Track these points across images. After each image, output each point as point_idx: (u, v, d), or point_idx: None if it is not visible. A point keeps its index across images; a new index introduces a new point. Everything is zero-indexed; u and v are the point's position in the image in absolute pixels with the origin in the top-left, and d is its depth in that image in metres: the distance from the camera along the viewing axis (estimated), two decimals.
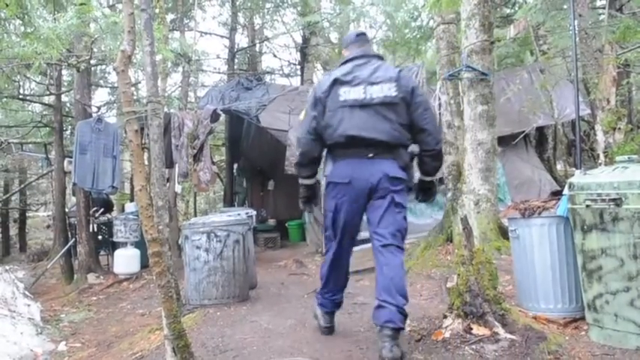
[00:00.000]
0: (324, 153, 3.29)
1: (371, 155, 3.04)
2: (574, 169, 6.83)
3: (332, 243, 3.31)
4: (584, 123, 9.70)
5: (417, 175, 3.29)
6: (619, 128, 6.06)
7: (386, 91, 3.03)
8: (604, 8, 6.32)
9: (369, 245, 3.36)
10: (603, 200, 2.95)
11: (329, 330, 3.45)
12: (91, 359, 4.05)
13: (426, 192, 3.40)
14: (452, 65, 6.36)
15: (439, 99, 6.56)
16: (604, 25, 6.08)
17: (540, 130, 10.31)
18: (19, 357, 4.06)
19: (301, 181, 3.47)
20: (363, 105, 3.04)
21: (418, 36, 12.50)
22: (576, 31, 4.85)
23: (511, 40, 9.34)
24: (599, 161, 6.16)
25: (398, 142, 3.07)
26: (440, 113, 6.62)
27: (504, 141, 8.40)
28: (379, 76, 3.07)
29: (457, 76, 6.04)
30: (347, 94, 3.06)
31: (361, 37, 3.35)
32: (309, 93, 3.38)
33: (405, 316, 2.92)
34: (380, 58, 3.28)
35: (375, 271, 3.07)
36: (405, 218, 3.12)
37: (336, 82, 3.10)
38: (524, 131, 9.12)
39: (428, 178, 3.30)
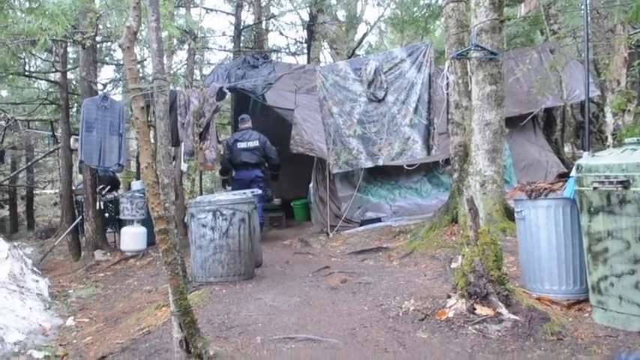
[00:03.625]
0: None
1: (249, 168, 7.71)
2: (582, 151, 6.79)
3: None
4: (594, 105, 9.60)
5: None
6: (629, 110, 6.00)
7: (254, 143, 7.69)
8: None
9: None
10: (611, 182, 2.93)
11: None
12: (98, 334, 4.11)
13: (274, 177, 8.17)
14: (461, 44, 6.27)
15: (447, 78, 6.48)
16: (616, 5, 5.97)
17: (548, 112, 10.21)
18: (28, 331, 4.12)
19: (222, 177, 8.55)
20: (246, 149, 7.70)
21: (427, 14, 12.33)
22: (588, 11, 4.76)
23: (521, 19, 9.20)
24: (608, 143, 6.11)
25: (259, 162, 7.77)
26: (447, 93, 6.55)
27: (512, 122, 8.34)
28: (251, 138, 7.69)
29: (466, 55, 5.96)
30: (241, 144, 7.73)
31: (245, 119, 8.03)
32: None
33: None
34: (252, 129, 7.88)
35: None
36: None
37: (236, 140, 7.82)
38: (532, 112, 9.04)
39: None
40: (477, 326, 2.94)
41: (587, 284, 3.20)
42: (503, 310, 3.01)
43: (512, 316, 2.98)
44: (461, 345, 2.81)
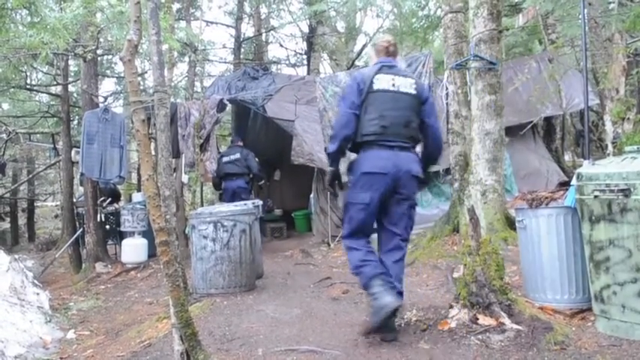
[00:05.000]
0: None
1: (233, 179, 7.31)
2: (582, 159, 6.79)
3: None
4: (593, 113, 9.61)
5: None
6: (628, 118, 6.00)
7: (236, 155, 6.84)
8: None
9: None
10: (612, 191, 2.92)
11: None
12: (99, 347, 4.09)
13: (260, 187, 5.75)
14: (459, 54, 6.30)
15: (446, 89, 6.51)
16: (614, 14, 6.01)
17: (548, 121, 10.23)
18: (28, 344, 4.10)
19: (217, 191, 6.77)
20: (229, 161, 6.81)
21: (425, 25, 12.40)
22: (586, 20, 4.79)
23: (519, 28, 9.26)
24: (608, 152, 6.11)
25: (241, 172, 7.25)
26: (447, 103, 6.58)
27: (512, 131, 8.35)
28: (233, 152, 6.36)
29: (465, 65, 5.99)
30: (225, 158, 7.11)
31: (234, 140, 6.49)
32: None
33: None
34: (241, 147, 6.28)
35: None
36: None
37: (222, 156, 6.91)
38: (532, 121, 9.06)
39: None
40: (479, 336, 2.93)
41: (589, 293, 3.19)
42: (506, 320, 2.99)
43: (515, 326, 2.96)
44: (464, 355, 2.79)
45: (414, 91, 3.27)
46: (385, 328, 3.07)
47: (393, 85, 3.23)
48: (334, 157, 3.33)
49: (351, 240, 3.27)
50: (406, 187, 3.20)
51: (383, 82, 3.23)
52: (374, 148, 3.20)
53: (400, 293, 3.16)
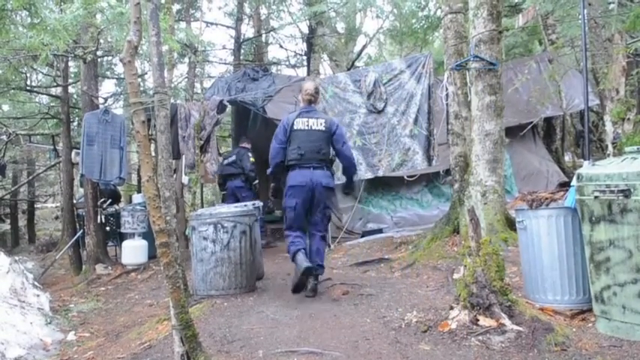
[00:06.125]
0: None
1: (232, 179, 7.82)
2: (582, 160, 6.79)
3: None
4: (593, 114, 9.62)
5: None
6: (628, 119, 6.00)
7: (233, 158, 7.87)
8: None
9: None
10: (612, 191, 2.92)
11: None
12: (99, 349, 4.09)
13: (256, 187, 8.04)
14: (459, 55, 6.30)
15: (446, 89, 6.51)
16: (614, 14, 6.01)
17: (548, 121, 10.24)
18: (29, 346, 4.10)
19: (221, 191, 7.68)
20: (228, 163, 7.78)
21: (425, 26, 12.41)
22: (586, 20, 4.79)
23: (519, 29, 9.26)
24: (608, 152, 6.11)
25: (237, 173, 7.88)
26: (447, 104, 6.58)
27: (512, 132, 8.36)
28: (232, 154, 7.17)
29: (465, 66, 5.99)
30: (225, 161, 8.07)
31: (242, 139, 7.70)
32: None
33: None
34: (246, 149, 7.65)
35: None
36: None
37: (224, 158, 7.77)
38: (532, 122, 9.06)
39: None
40: (480, 337, 2.92)
41: (590, 294, 3.19)
42: (507, 321, 2.99)
43: (516, 327, 2.96)
44: (464, 357, 2.79)
45: (323, 128, 4.64)
46: (305, 288, 4.48)
47: (307, 125, 4.63)
48: (272, 177, 4.88)
49: (288, 230, 4.66)
50: (321, 194, 4.56)
51: (300, 124, 4.64)
52: (296, 168, 4.59)
53: (320, 265, 4.61)
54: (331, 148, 4.71)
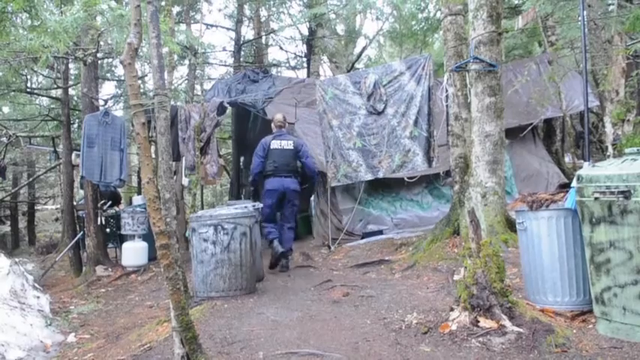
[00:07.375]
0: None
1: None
2: (582, 161, 6.79)
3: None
4: (593, 115, 9.62)
5: None
6: (628, 120, 6.01)
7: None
8: None
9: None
10: (612, 193, 2.92)
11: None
12: (100, 350, 4.09)
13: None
14: (459, 57, 6.30)
15: (446, 91, 6.51)
16: (613, 16, 6.02)
17: (548, 122, 10.23)
18: (29, 348, 4.10)
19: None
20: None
21: (425, 27, 12.42)
22: (585, 22, 4.79)
23: (519, 31, 9.27)
24: (608, 153, 6.12)
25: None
26: (447, 105, 6.58)
27: (512, 133, 8.35)
28: None
29: (464, 67, 5.99)
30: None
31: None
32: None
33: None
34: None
35: None
36: None
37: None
38: (532, 123, 9.06)
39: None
40: (480, 339, 2.92)
41: (590, 295, 3.19)
42: (507, 323, 2.99)
43: (516, 329, 2.96)
44: (464, 358, 2.79)
45: (292, 147, 6.29)
46: (279, 265, 6.14)
47: (280, 145, 6.28)
48: (253, 185, 6.83)
49: (265, 223, 6.14)
50: (290, 195, 6.24)
51: (275, 144, 6.29)
52: (272, 177, 6.20)
53: (290, 249, 6.36)
54: (298, 162, 6.31)
